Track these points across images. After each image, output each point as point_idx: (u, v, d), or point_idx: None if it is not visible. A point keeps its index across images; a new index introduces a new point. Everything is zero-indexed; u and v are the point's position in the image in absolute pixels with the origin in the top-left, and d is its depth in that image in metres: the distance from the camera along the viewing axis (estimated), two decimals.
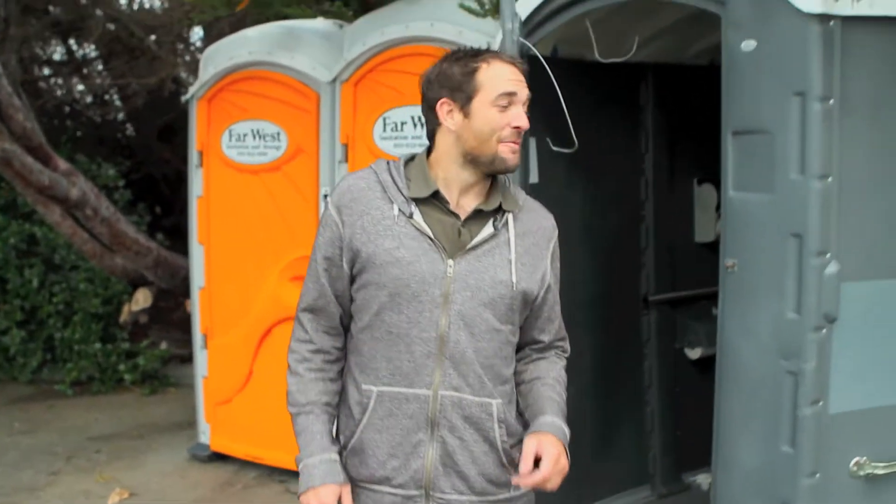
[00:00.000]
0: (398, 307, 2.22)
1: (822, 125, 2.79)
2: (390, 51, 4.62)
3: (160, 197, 9.74)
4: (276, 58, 5.17)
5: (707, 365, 4.21)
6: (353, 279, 2.30)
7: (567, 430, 2.31)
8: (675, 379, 4.56)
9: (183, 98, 8.69)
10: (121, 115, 10.06)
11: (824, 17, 2.75)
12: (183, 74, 8.56)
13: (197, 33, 9.56)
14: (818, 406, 2.90)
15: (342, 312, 2.34)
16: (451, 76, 2.26)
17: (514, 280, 2.25)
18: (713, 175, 3.70)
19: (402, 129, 4.63)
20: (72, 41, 9.45)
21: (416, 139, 4.54)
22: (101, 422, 6.69)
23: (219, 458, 5.70)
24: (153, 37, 8.44)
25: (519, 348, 2.40)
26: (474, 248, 2.24)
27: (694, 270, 4.51)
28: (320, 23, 5.43)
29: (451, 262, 2.22)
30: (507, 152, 2.22)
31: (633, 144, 4.39)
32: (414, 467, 2.25)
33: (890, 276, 2.97)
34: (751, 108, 2.96)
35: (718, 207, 4.36)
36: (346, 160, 4.84)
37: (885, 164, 2.93)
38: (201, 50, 8.72)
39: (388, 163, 2.33)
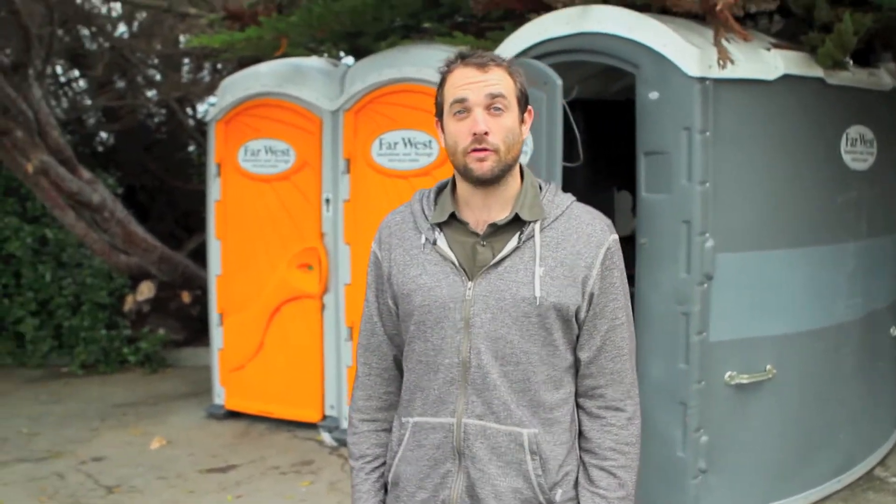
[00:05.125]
0: (424, 335, 2.06)
1: (702, 149, 4.14)
2: (385, 87, 5.74)
3: (138, 206, 10.70)
4: (286, 89, 6.31)
5: None
6: (399, 315, 2.15)
7: None
8: None
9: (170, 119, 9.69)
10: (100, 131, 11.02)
11: (702, 79, 4.13)
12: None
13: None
14: (702, 336, 4.22)
15: (397, 352, 2.20)
16: (436, 94, 2.11)
17: (537, 295, 1.99)
18: (628, 184, 4.97)
19: (395, 148, 5.76)
20: (59, 63, 10.42)
21: (406, 156, 5.71)
22: (116, 394, 7.73)
23: (232, 415, 6.80)
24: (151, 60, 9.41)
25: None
26: (496, 265, 2.02)
27: None
28: (317, 61, 6.60)
29: (470, 283, 2.02)
30: (473, 161, 1.98)
31: (568, 160, 5.72)
32: (441, 498, 2.08)
33: (748, 249, 4.34)
34: (656, 137, 4.27)
35: (633, 209, 5.75)
36: (349, 172, 6.01)
37: (743, 174, 4.32)
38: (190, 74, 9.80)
39: (422, 192, 2.18)
